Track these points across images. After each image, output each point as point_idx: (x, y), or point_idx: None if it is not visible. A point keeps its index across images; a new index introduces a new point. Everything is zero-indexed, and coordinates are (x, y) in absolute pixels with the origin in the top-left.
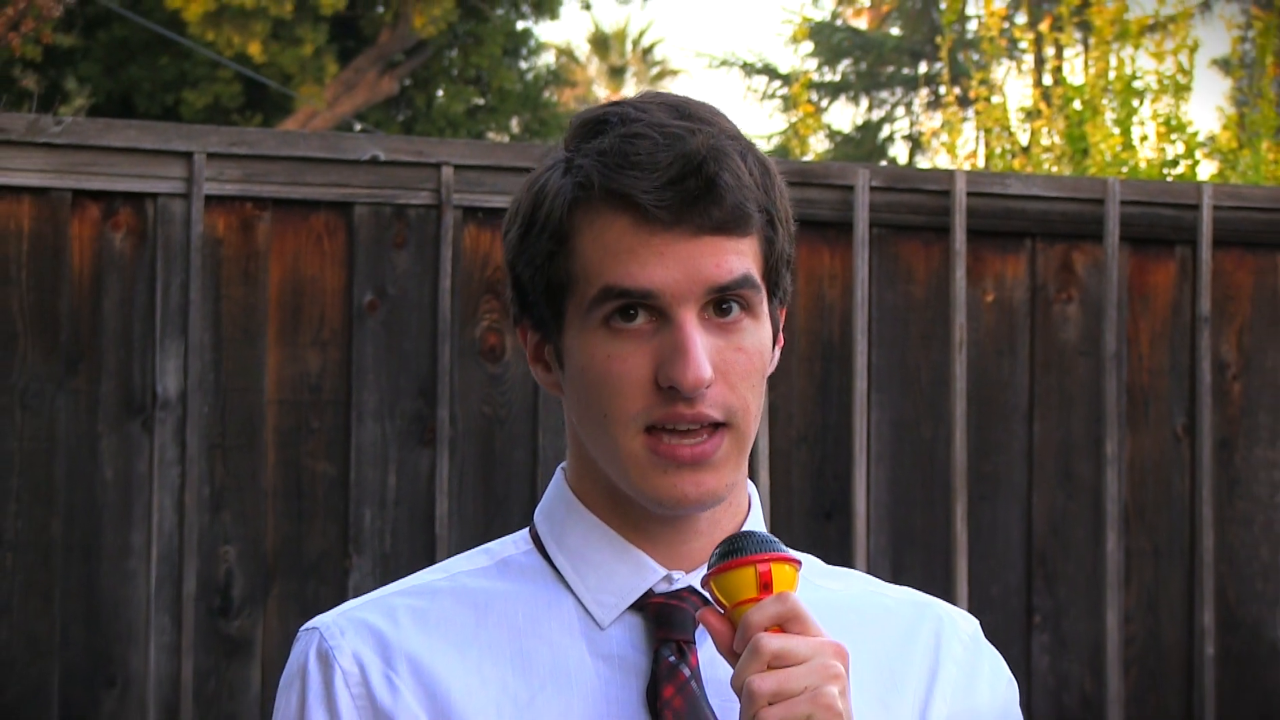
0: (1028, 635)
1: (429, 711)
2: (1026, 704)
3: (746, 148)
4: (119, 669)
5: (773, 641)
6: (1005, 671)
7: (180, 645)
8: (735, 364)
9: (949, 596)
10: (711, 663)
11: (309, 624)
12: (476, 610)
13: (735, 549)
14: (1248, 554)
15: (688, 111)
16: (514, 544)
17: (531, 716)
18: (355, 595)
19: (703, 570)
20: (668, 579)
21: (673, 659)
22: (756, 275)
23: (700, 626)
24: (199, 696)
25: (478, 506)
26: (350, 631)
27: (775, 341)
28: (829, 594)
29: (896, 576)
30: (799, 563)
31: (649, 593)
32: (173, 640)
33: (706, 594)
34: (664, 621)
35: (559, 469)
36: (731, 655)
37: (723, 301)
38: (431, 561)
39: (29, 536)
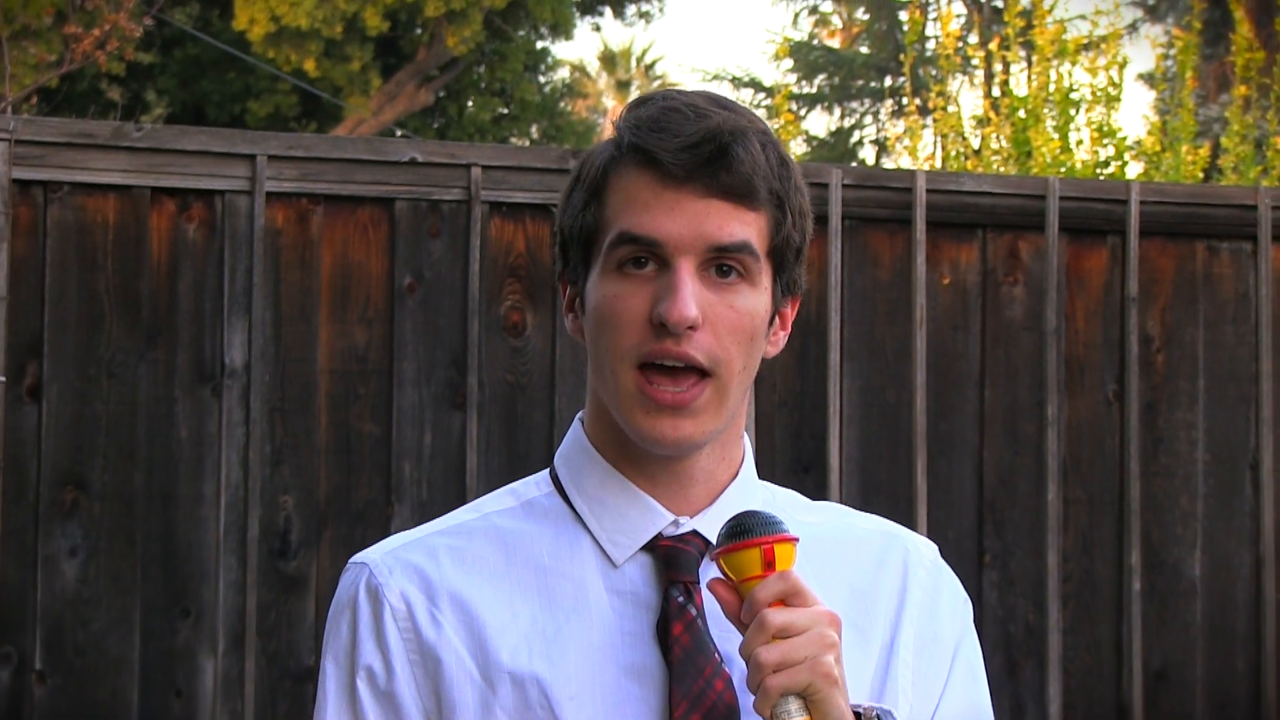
0: (979, 573)
1: (468, 644)
2: (978, 632)
3: (770, 141)
4: (192, 602)
5: (777, 617)
6: (961, 592)
7: (245, 582)
8: (724, 318)
9: None
10: (714, 600)
11: (357, 558)
12: (506, 549)
13: (742, 530)
14: (1169, 503)
15: (725, 103)
16: (536, 485)
17: (558, 647)
18: None
19: (702, 514)
20: (675, 524)
21: (681, 599)
22: (757, 247)
23: (702, 567)
24: (261, 626)
25: (502, 462)
26: (397, 571)
27: (778, 324)
28: (807, 528)
29: None
30: (797, 539)
31: (658, 535)
32: (238, 578)
33: (716, 566)
34: (671, 563)
35: (577, 416)
36: (739, 623)
37: (722, 263)
38: None
39: (114, 488)
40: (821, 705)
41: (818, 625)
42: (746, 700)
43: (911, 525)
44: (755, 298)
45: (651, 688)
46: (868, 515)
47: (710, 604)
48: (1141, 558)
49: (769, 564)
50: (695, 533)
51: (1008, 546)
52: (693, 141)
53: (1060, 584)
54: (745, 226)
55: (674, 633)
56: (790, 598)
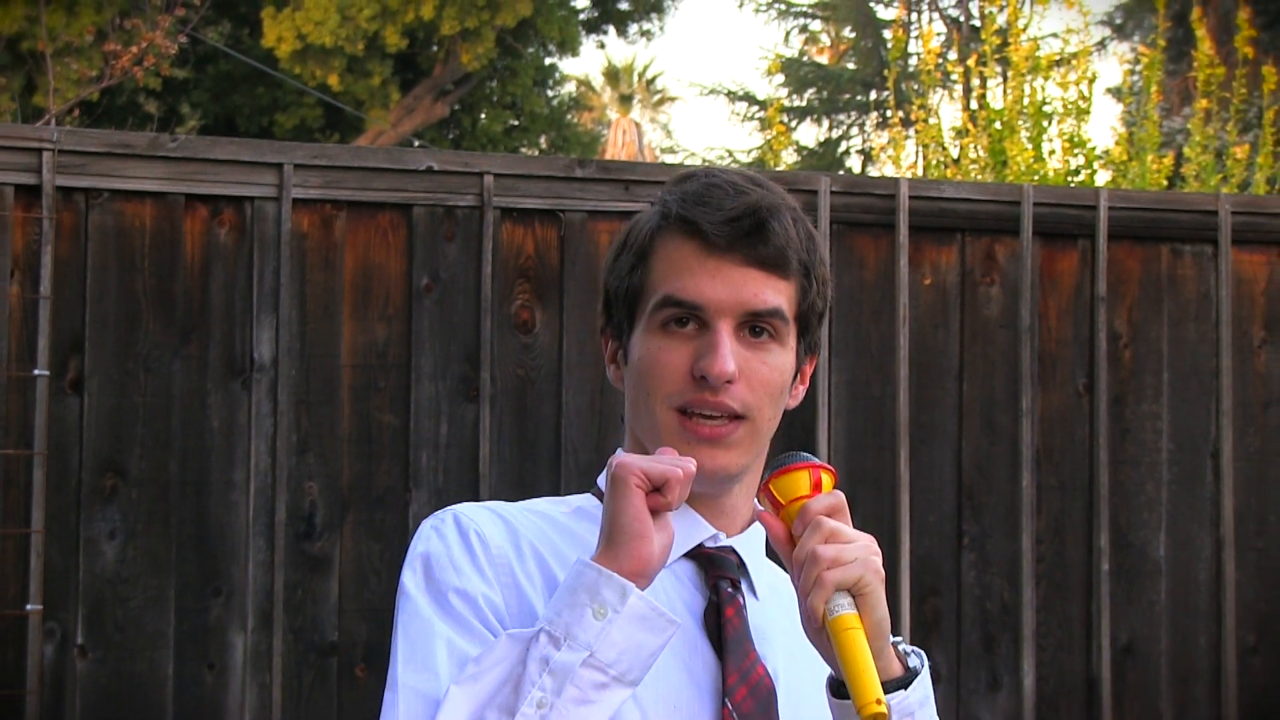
0: (958, 554)
1: (543, 582)
2: (956, 612)
3: (799, 217)
4: (223, 581)
5: (830, 521)
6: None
7: (273, 562)
8: (758, 372)
9: (894, 524)
10: (751, 614)
11: (442, 511)
12: (563, 535)
13: (789, 460)
14: (1135, 489)
15: (760, 182)
16: (581, 498)
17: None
18: (415, 523)
19: (737, 537)
20: (714, 538)
21: (730, 590)
22: (787, 312)
23: (744, 582)
24: (288, 604)
25: (512, 450)
26: (483, 518)
27: (799, 380)
28: (779, 578)
29: (852, 508)
30: (836, 473)
31: (700, 545)
32: (267, 558)
33: (763, 498)
34: (715, 565)
35: (618, 449)
36: (785, 544)
37: (756, 326)
38: (477, 495)
39: (151, 474)
40: (870, 598)
41: (864, 537)
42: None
43: (895, 509)
44: (784, 356)
45: (701, 660)
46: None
47: (748, 599)
48: (1110, 540)
49: (816, 485)
50: (732, 549)
51: (985, 530)
52: (734, 215)
53: (1034, 564)
54: (778, 294)
55: (726, 614)
56: (837, 514)
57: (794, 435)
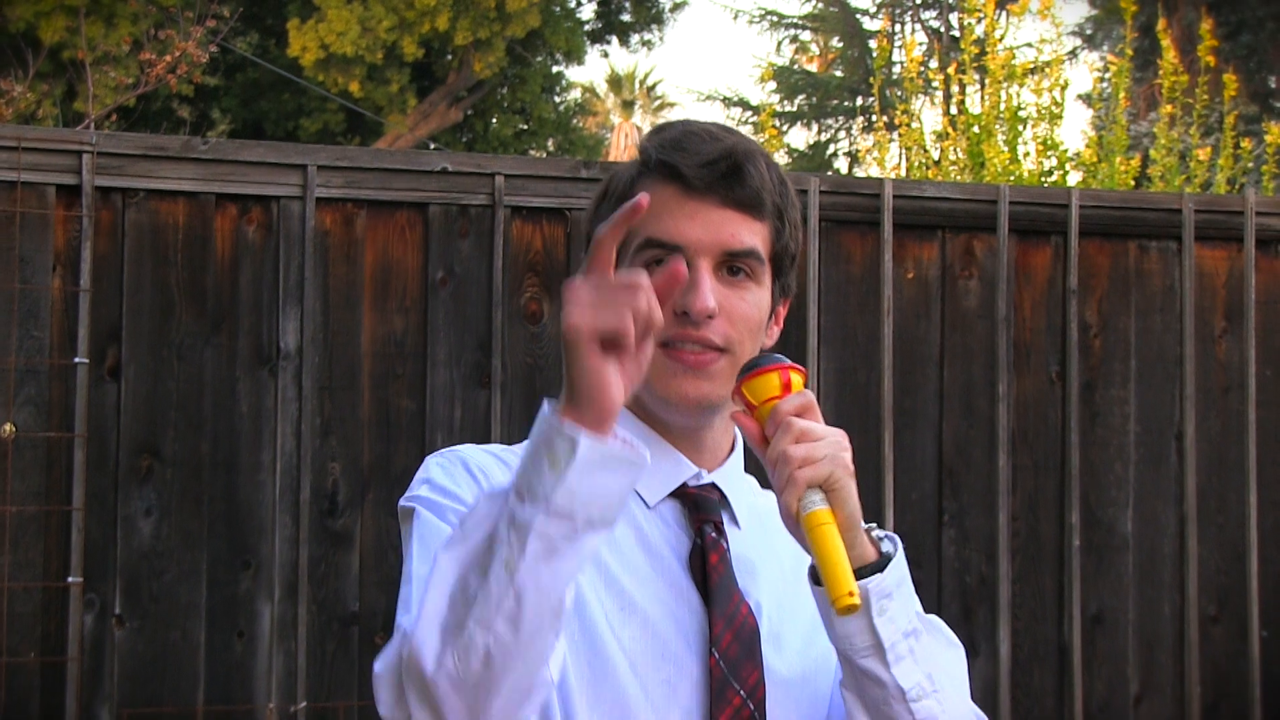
0: (939, 530)
1: None
2: (937, 584)
3: (772, 163)
4: (252, 556)
5: (800, 422)
6: None
7: (298, 538)
8: (736, 308)
9: (879, 503)
10: (734, 544)
11: (444, 449)
12: None
13: (760, 362)
14: (1105, 469)
15: (733, 130)
16: None
17: (611, 543)
18: None
19: (717, 471)
20: (697, 475)
21: (714, 535)
22: (763, 252)
23: (725, 515)
24: (312, 576)
25: (522, 433)
26: (485, 459)
27: (774, 320)
28: (765, 498)
29: None
30: (806, 371)
31: (684, 484)
32: (292, 534)
33: (738, 399)
34: (700, 506)
35: None
36: (760, 444)
37: (733, 265)
38: None
39: (184, 455)
40: (840, 494)
41: (834, 434)
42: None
43: (880, 488)
44: (760, 294)
45: (686, 606)
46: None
47: (732, 543)
48: (1080, 517)
49: (786, 386)
50: (714, 485)
51: (963, 507)
52: (711, 159)
53: (1009, 539)
54: (753, 235)
55: (711, 561)
56: (806, 412)
57: None
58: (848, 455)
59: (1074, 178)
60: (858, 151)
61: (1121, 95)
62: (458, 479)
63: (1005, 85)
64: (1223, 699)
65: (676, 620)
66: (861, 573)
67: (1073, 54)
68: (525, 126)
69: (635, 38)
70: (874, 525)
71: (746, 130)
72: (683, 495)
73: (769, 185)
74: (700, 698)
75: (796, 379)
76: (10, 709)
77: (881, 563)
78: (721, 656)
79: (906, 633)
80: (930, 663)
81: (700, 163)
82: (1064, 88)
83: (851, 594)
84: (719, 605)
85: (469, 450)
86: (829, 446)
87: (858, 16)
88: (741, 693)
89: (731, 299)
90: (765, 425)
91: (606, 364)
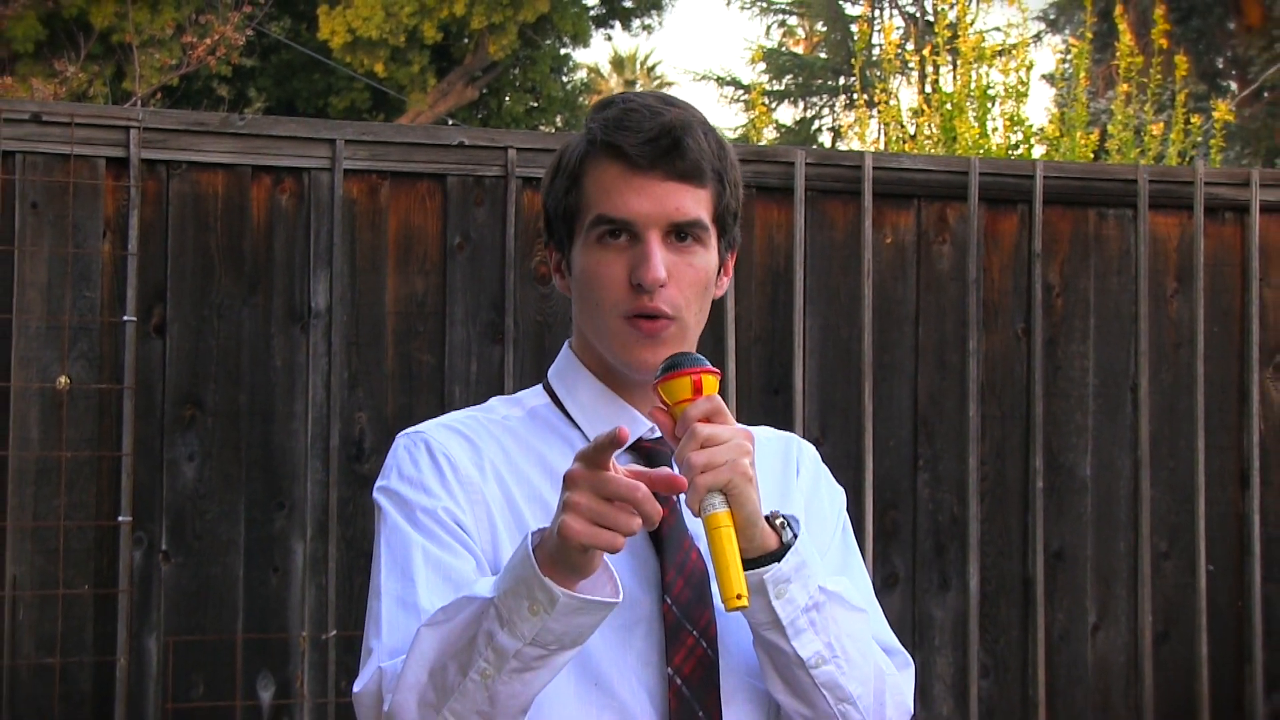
0: (914, 474)
1: (503, 501)
2: (912, 523)
3: (709, 129)
4: (286, 497)
5: (704, 428)
6: (836, 483)
7: (328, 481)
8: (684, 274)
9: (859, 449)
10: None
11: (411, 430)
12: (518, 442)
13: (675, 364)
14: (1066, 418)
15: (671, 100)
16: (534, 396)
17: None
18: None
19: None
20: (651, 430)
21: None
22: (707, 218)
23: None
24: (341, 516)
25: (531, 384)
26: (451, 442)
27: (722, 272)
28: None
29: (824, 434)
30: (719, 372)
31: (639, 439)
32: (323, 478)
33: (655, 397)
34: (652, 459)
35: (566, 343)
36: (674, 439)
37: (680, 233)
38: None
39: (223, 406)
40: (739, 498)
41: (736, 438)
42: (711, 567)
43: (860, 435)
44: (707, 257)
45: (637, 555)
46: (767, 428)
47: (681, 497)
48: (1043, 461)
49: (697, 389)
50: (664, 440)
51: (937, 453)
52: (652, 136)
53: (979, 483)
54: (697, 204)
55: (663, 514)
56: (714, 416)
57: (774, 373)
58: (748, 460)
59: (1038, 151)
60: (840, 127)
61: (1082, 75)
62: (422, 466)
63: (975, 66)
64: (1172, 627)
65: (631, 569)
66: (761, 561)
67: (1037, 37)
68: (535, 104)
69: (636, 22)
70: (777, 512)
71: (738, 107)
72: (637, 448)
73: (708, 153)
74: (656, 640)
75: (709, 381)
76: (66, 636)
77: (780, 552)
78: (674, 601)
79: (806, 608)
80: (829, 632)
81: (642, 140)
82: (1029, 68)
83: (740, 596)
84: (670, 554)
85: (434, 431)
86: (729, 452)
87: (840, 2)
88: (694, 632)
89: (680, 265)
90: (677, 426)
91: (595, 556)
